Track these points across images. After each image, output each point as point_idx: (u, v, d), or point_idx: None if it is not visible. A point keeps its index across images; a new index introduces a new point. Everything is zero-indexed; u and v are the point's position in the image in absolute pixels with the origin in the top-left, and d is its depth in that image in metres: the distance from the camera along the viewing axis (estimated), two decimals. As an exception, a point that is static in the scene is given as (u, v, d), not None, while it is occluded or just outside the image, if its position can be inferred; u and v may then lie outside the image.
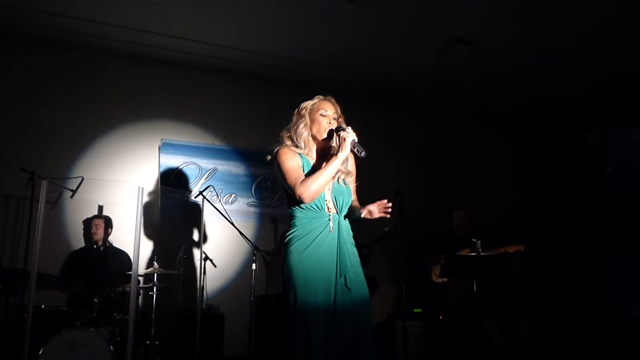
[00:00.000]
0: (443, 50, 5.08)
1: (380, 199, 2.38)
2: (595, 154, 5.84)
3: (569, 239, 5.96)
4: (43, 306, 3.80)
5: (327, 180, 2.32)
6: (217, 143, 5.51)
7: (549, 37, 4.88)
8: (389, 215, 2.30)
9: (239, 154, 5.56)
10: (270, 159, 2.47)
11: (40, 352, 3.42)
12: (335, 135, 2.39)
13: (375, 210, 2.32)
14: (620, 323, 5.11)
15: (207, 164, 5.41)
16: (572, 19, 4.55)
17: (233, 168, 5.53)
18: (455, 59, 5.26)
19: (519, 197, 6.47)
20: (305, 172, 2.39)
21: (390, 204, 2.29)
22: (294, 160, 2.39)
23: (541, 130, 6.79)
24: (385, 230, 4.73)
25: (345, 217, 2.41)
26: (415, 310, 5.24)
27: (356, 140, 2.34)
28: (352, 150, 2.34)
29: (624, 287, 5.33)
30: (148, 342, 4.05)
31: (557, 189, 6.41)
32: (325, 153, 2.46)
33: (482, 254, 4.06)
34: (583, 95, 6.01)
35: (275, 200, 5.54)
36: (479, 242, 4.09)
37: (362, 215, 2.37)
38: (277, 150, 2.43)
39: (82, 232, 4.72)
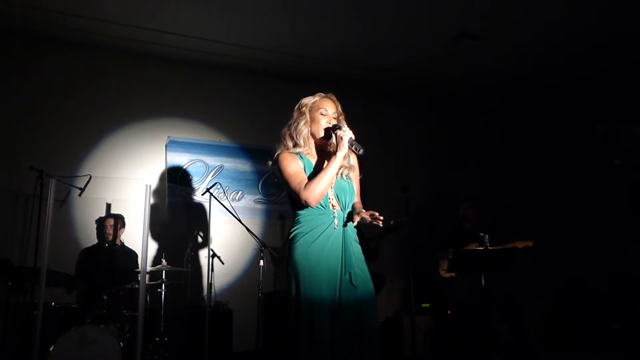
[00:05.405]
0: (449, 45, 5.06)
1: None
2: (602, 146, 5.79)
3: (577, 231, 5.94)
4: (53, 303, 3.84)
5: (329, 181, 2.31)
6: (223, 140, 5.52)
7: (550, 31, 4.85)
8: (381, 225, 2.26)
9: (246, 151, 5.57)
10: (271, 164, 2.47)
11: (50, 349, 3.45)
12: (332, 134, 2.37)
13: (367, 217, 2.28)
14: (628, 315, 5.09)
15: (213, 161, 5.43)
16: (574, 12, 4.52)
17: (240, 165, 5.54)
18: (460, 55, 5.23)
19: (526, 190, 6.45)
20: (307, 172, 2.39)
21: (381, 217, 2.25)
22: (295, 164, 2.38)
23: (547, 124, 6.74)
24: (391, 222, 4.72)
25: (345, 224, 2.38)
26: (423, 305, 5.24)
27: (353, 138, 2.32)
28: (350, 149, 2.33)
29: (635, 279, 5.29)
30: (157, 339, 4.07)
31: (564, 181, 6.37)
32: (325, 151, 2.45)
33: (490, 248, 4.05)
34: (588, 87, 5.96)
35: (282, 197, 5.54)
36: (487, 236, 4.07)
37: (355, 224, 2.32)
38: (277, 156, 2.42)
39: (95, 230, 4.74)
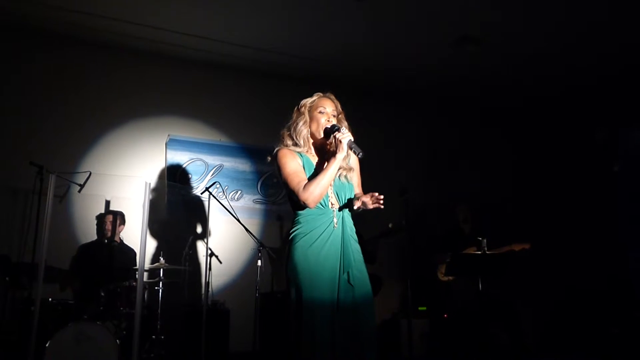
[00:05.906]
0: (450, 49, 5.07)
1: (387, 196, 2.33)
2: (601, 151, 5.81)
3: (577, 234, 5.94)
4: (50, 299, 3.84)
5: (328, 182, 2.30)
6: (223, 140, 5.53)
7: (552, 34, 4.87)
8: (382, 207, 2.22)
9: (245, 150, 5.58)
10: (270, 160, 2.47)
11: (47, 345, 3.45)
12: (331, 135, 2.36)
13: (368, 201, 2.24)
14: (627, 319, 5.09)
15: (213, 160, 5.44)
16: (574, 18, 4.54)
17: (239, 165, 5.55)
18: (461, 57, 5.24)
19: (525, 193, 6.45)
20: (307, 171, 2.38)
21: (382, 196, 2.21)
22: (294, 163, 2.37)
23: (546, 128, 6.76)
24: (390, 226, 4.73)
25: (341, 209, 2.37)
26: (420, 308, 5.23)
27: (352, 140, 2.30)
28: (349, 151, 2.32)
29: (634, 283, 5.28)
30: (154, 337, 4.06)
31: (564, 184, 6.38)
32: (324, 150, 2.45)
33: (487, 252, 4.05)
34: (589, 90, 5.97)
35: (281, 198, 5.55)
36: (485, 240, 4.07)
37: (355, 207, 2.30)
38: (277, 152, 2.42)
39: (95, 227, 4.75)
